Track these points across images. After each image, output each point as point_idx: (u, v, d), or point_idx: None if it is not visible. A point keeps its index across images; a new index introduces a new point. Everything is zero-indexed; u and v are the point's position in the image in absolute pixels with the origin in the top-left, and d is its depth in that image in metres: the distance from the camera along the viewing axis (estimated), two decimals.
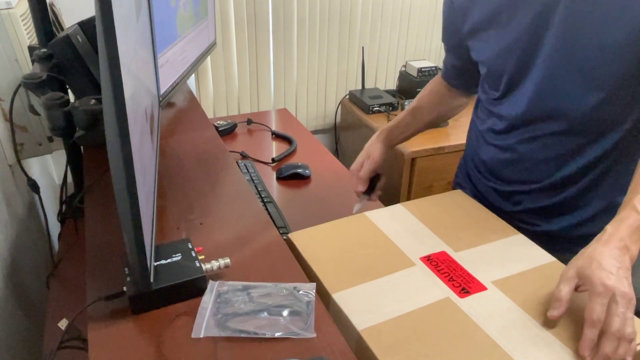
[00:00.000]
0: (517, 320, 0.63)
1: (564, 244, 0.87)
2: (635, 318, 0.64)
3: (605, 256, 0.65)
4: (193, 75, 1.92)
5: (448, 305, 0.65)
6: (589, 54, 0.75)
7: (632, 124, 0.79)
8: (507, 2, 0.80)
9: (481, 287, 0.69)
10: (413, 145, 1.78)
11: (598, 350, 0.59)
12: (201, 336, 0.56)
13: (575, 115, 0.80)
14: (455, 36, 0.94)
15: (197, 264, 0.63)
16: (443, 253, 0.76)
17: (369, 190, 1.04)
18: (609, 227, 0.68)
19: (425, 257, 0.75)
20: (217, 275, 0.65)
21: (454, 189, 1.10)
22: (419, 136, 1.85)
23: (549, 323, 0.63)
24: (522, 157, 0.89)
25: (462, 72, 1.02)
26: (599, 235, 0.68)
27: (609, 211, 0.87)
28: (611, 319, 0.59)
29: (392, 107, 2.04)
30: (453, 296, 0.67)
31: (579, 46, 0.75)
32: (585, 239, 0.83)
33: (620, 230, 0.67)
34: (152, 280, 0.58)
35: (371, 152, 1.06)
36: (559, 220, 0.90)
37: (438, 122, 1.11)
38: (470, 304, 0.66)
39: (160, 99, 1.05)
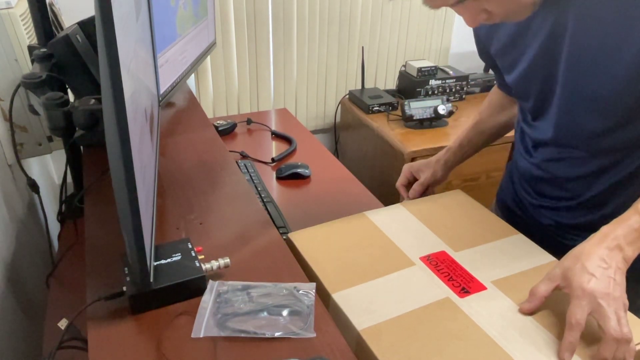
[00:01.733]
0: (516, 320, 0.63)
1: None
2: (634, 317, 0.64)
3: (591, 257, 0.64)
4: (193, 75, 1.92)
5: (448, 305, 0.65)
6: (598, 84, 0.72)
7: None
8: (523, 28, 0.79)
9: (481, 287, 0.69)
10: (413, 145, 1.78)
11: (598, 354, 0.59)
12: (201, 336, 0.56)
13: (593, 142, 0.79)
14: (489, 58, 0.93)
15: (197, 264, 0.63)
16: (443, 253, 0.76)
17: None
18: (605, 227, 0.67)
19: (425, 256, 0.75)
20: (217, 275, 0.65)
21: (498, 190, 1.10)
22: (418, 136, 1.86)
23: (548, 323, 0.63)
24: (552, 176, 0.88)
25: None
26: (593, 234, 0.67)
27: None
28: (604, 322, 0.59)
29: (392, 107, 2.04)
30: (453, 296, 0.67)
31: (588, 76, 0.73)
32: None
33: (617, 230, 0.66)
34: (151, 280, 0.58)
35: (436, 172, 1.05)
36: (589, 214, 0.87)
37: (502, 132, 1.08)
38: (470, 303, 0.66)
39: (160, 98, 1.05)
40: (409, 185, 1.07)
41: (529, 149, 0.93)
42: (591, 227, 0.72)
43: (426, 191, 1.06)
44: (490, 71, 2.29)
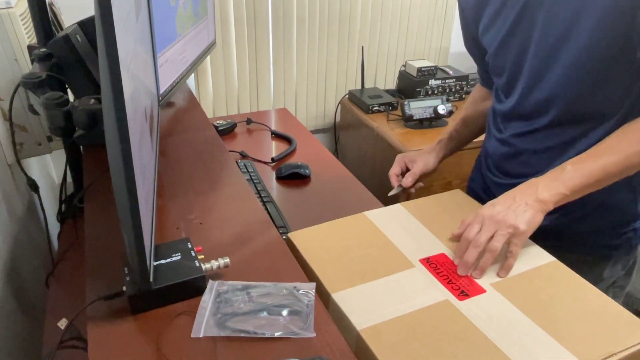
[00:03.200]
0: (516, 322, 0.63)
1: (560, 240, 0.87)
2: (634, 317, 0.64)
3: (505, 195, 0.76)
4: (193, 75, 1.92)
5: (447, 308, 0.65)
6: (567, 51, 0.76)
7: (623, 116, 0.79)
8: (503, 4, 0.83)
9: (480, 290, 0.69)
10: (412, 145, 1.78)
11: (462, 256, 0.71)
12: (201, 336, 0.56)
13: (560, 110, 0.82)
14: (474, 43, 0.97)
15: (197, 264, 0.62)
16: (442, 255, 0.76)
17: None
18: (533, 178, 0.77)
19: (424, 259, 0.75)
20: (217, 274, 0.65)
21: (469, 183, 1.13)
22: (418, 136, 1.86)
23: (548, 325, 0.63)
24: (518, 151, 0.91)
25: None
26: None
27: (603, 209, 0.89)
28: (478, 235, 0.72)
29: (391, 107, 2.04)
30: (452, 298, 0.67)
31: (558, 44, 0.77)
32: (580, 237, 0.86)
33: (539, 178, 0.76)
34: (151, 279, 0.58)
35: (428, 160, 1.09)
36: (552, 216, 0.89)
37: (484, 121, 1.13)
38: (469, 306, 0.66)
39: (160, 98, 1.05)
40: (401, 175, 1.10)
41: (499, 126, 0.96)
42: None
43: (417, 181, 1.09)
44: None
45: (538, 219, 0.73)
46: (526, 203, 0.73)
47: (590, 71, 0.76)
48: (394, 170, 1.10)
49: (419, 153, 1.11)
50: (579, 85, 0.79)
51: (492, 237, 0.72)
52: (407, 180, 1.07)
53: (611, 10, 0.70)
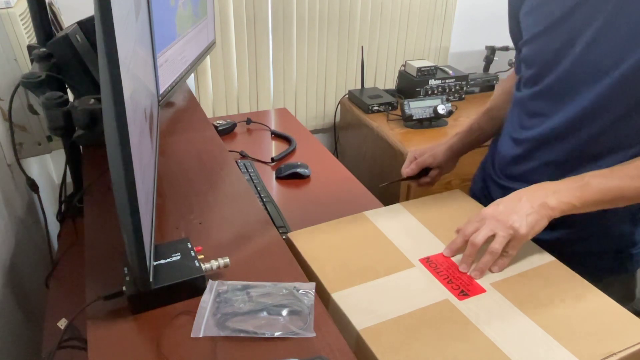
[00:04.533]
0: (515, 322, 0.63)
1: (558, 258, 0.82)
2: (634, 317, 0.64)
3: (512, 195, 0.73)
4: (192, 75, 1.92)
5: (447, 307, 0.65)
6: (629, 60, 0.70)
7: None
8: None
9: (480, 290, 0.69)
10: (412, 145, 1.78)
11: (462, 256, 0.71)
12: (200, 336, 0.56)
13: (593, 122, 0.76)
14: (516, 22, 0.89)
15: (197, 264, 0.62)
16: (442, 255, 0.76)
17: (416, 177, 1.06)
18: (547, 181, 0.74)
19: (424, 258, 0.75)
20: (217, 274, 0.65)
21: (472, 183, 1.10)
22: (418, 136, 1.86)
23: (547, 325, 0.63)
24: (529, 156, 0.87)
25: None
26: None
27: (602, 235, 0.87)
28: (476, 234, 0.70)
29: (391, 107, 2.04)
30: (452, 298, 0.67)
31: (618, 50, 0.71)
32: (576, 257, 0.82)
33: (551, 183, 0.73)
34: (151, 279, 0.58)
35: (437, 155, 1.04)
36: (552, 233, 0.85)
37: None
38: (469, 306, 0.66)
39: (160, 98, 1.05)
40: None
41: (516, 123, 0.90)
42: (559, 218, 0.76)
43: (425, 175, 1.05)
44: (490, 70, 2.31)
45: (542, 225, 0.70)
46: (532, 206, 0.70)
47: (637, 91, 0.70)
48: (405, 165, 1.06)
49: (430, 147, 1.06)
50: (619, 106, 0.73)
51: (492, 236, 0.71)
52: (407, 169, 1.03)
53: None
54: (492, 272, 0.71)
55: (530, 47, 0.83)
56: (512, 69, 1.01)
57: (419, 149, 1.08)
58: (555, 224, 0.78)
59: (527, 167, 0.89)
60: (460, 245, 0.73)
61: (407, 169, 1.04)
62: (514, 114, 0.92)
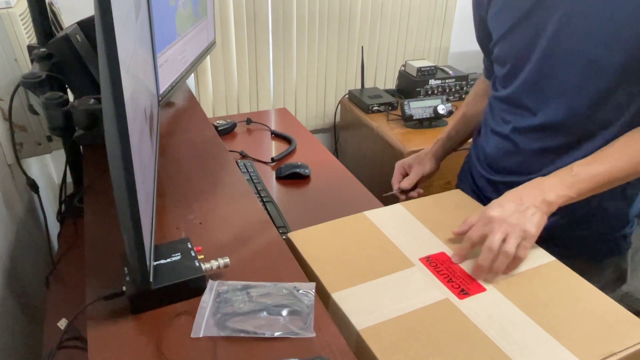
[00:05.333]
0: (516, 321, 0.63)
1: (550, 243, 0.82)
2: (633, 317, 0.64)
3: (510, 195, 0.75)
4: (192, 75, 1.92)
5: (447, 307, 0.65)
6: (592, 46, 0.75)
7: (627, 122, 0.79)
8: None
9: (480, 289, 0.69)
10: (412, 145, 1.78)
11: (477, 261, 0.71)
12: (200, 336, 0.56)
13: (572, 106, 0.81)
14: (483, 26, 0.94)
15: (197, 264, 0.62)
16: (442, 254, 0.76)
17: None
18: (539, 177, 0.77)
19: (424, 257, 0.75)
20: (217, 274, 0.65)
21: (457, 183, 1.12)
22: (418, 136, 1.86)
23: (548, 324, 0.63)
24: (517, 148, 0.90)
25: None
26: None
27: (595, 216, 0.89)
28: (489, 237, 0.71)
29: (391, 107, 2.04)
30: (452, 297, 0.67)
31: (581, 37, 0.75)
32: (570, 241, 0.85)
33: (545, 178, 0.76)
34: (151, 279, 0.58)
35: (424, 164, 1.10)
36: (553, 216, 0.88)
37: None
38: (469, 305, 0.66)
39: (160, 98, 1.05)
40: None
41: (497, 118, 0.95)
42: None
43: (417, 184, 1.10)
44: None
45: (544, 221, 0.73)
46: (534, 205, 0.73)
47: (607, 74, 0.75)
48: (396, 178, 1.12)
49: (416, 157, 1.12)
50: (599, 82, 0.77)
51: (504, 239, 0.71)
52: (405, 184, 1.08)
53: None
54: (503, 274, 0.71)
55: (501, 45, 0.88)
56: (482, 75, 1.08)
57: (405, 160, 1.13)
58: (555, 211, 0.81)
59: (517, 160, 0.91)
60: (468, 251, 0.74)
61: (406, 183, 1.08)
62: (495, 112, 0.96)
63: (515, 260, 0.71)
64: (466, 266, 0.73)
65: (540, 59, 0.81)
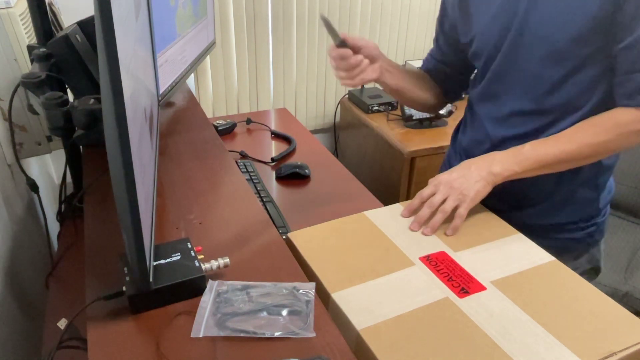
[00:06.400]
0: (516, 320, 0.63)
1: (524, 232, 0.83)
2: (633, 317, 0.64)
3: (464, 163, 0.84)
4: (192, 75, 1.92)
5: (447, 306, 0.66)
6: (553, 30, 0.79)
7: (592, 107, 0.83)
8: None
9: (480, 287, 0.69)
10: (412, 145, 1.78)
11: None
12: (200, 336, 0.56)
13: (534, 93, 0.86)
14: (451, 27, 1.01)
15: (197, 264, 0.62)
16: (442, 253, 0.76)
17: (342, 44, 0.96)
18: (494, 151, 0.84)
19: (424, 257, 0.75)
20: (217, 274, 0.65)
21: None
22: (418, 135, 1.86)
23: (548, 323, 0.63)
24: (488, 137, 0.94)
25: (446, 73, 1.12)
26: None
27: (567, 204, 0.93)
28: (433, 196, 0.81)
29: (391, 107, 2.04)
30: (452, 296, 0.67)
31: (544, 21, 0.80)
32: (544, 230, 0.90)
33: (499, 152, 0.83)
34: (151, 280, 0.58)
35: (380, 56, 0.98)
36: (519, 210, 0.95)
37: (415, 98, 1.12)
38: (469, 304, 0.66)
39: (160, 98, 1.05)
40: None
41: (476, 112, 1.00)
42: (511, 196, 0.88)
43: (355, 49, 0.95)
44: None
45: (487, 190, 0.82)
46: (480, 174, 0.81)
47: (567, 59, 0.81)
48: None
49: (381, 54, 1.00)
50: (561, 68, 0.82)
51: (444, 200, 0.81)
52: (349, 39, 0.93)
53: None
54: (447, 235, 0.79)
55: (476, 42, 0.93)
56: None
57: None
58: (524, 201, 0.88)
59: (488, 147, 0.95)
60: (417, 207, 0.83)
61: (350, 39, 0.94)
62: (473, 108, 1.02)
63: (455, 219, 0.80)
64: (466, 265, 0.73)
65: (509, 46, 0.86)
